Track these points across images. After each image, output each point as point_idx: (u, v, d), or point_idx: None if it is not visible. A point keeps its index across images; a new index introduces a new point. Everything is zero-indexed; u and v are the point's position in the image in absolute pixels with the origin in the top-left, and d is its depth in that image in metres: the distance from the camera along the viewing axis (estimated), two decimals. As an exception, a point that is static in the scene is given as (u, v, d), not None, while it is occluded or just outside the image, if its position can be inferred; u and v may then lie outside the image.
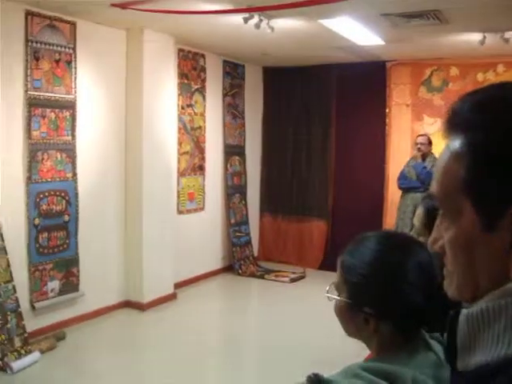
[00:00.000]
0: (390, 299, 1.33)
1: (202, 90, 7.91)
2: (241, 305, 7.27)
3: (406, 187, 7.15)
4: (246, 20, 5.51)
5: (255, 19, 5.53)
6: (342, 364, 1.35)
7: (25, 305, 5.41)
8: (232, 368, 5.28)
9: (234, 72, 8.67)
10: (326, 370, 1.30)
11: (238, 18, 5.59)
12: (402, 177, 7.25)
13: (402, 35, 6.42)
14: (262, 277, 8.38)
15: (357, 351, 1.57)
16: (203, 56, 7.89)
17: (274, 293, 7.66)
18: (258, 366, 5.35)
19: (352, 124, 8.67)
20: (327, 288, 1.46)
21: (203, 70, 7.92)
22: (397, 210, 7.31)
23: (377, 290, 1.35)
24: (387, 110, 8.37)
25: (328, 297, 1.47)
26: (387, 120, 8.39)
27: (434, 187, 0.91)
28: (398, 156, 8.18)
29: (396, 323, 1.34)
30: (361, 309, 1.36)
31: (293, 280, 8.20)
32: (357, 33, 6.32)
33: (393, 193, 8.06)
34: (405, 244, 1.43)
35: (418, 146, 7.17)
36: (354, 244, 1.46)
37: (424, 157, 7.11)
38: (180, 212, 7.65)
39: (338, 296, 1.44)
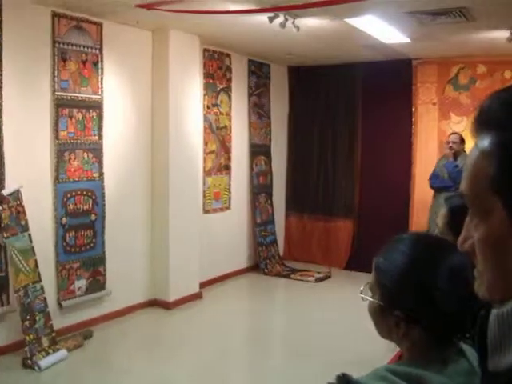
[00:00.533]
0: (421, 304, 1.31)
1: (227, 90, 7.89)
2: (266, 304, 7.22)
3: (437, 186, 6.99)
4: (271, 19, 5.46)
5: (280, 18, 5.48)
6: (367, 365, 1.31)
7: (52, 303, 5.44)
8: (257, 367, 5.24)
9: (259, 71, 8.63)
10: (350, 371, 1.28)
11: (263, 18, 5.55)
12: (434, 176, 7.09)
13: (427, 33, 6.30)
14: (287, 276, 8.33)
15: (383, 352, 1.52)
16: (228, 56, 7.86)
17: (300, 292, 7.60)
18: (284, 365, 5.29)
19: (378, 123, 8.56)
20: (361, 288, 1.45)
21: (228, 69, 7.89)
22: (429, 210, 7.17)
23: (407, 295, 1.32)
24: (413, 109, 8.24)
25: (362, 297, 1.45)
26: (413, 119, 8.25)
27: (463, 186, 0.89)
28: (425, 155, 8.06)
29: (427, 328, 1.31)
30: (392, 312, 1.34)
31: (318, 280, 8.13)
32: (382, 31, 6.22)
33: (419, 192, 7.95)
34: (438, 247, 1.40)
35: (450, 144, 7.01)
36: (388, 246, 1.44)
37: (456, 155, 6.95)
38: (206, 211, 7.63)
39: (372, 297, 1.42)
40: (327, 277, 8.29)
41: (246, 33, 6.63)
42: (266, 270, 8.42)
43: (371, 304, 1.42)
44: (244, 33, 6.64)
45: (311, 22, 5.89)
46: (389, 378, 1.21)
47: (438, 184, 6.97)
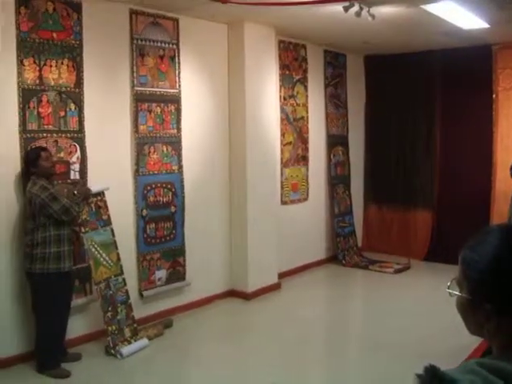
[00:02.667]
0: None
1: (303, 81, 7.73)
2: (344, 295, 7.04)
3: (518, 175, 6.58)
4: (346, 9, 5.30)
5: (355, 7, 5.32)
6: (447, 357, 1.19)
7: (133, 293, 5.49)
8: (334, 359, 5.09)
9: (335, 62, 8.41)
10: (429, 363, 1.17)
11: (338, 7, 5.40)
12: (515, 164, 6.68)
13: (507, 17, 5.92)
14: (365, 267, 8.11)
15: (463, 345, 1.39)
16: (304, 46, 7.69)
17: (378, 284, 7.37)
18: (361, 357, 5.11)
19: (457, 111, 8.16)
20: (448, 284, 1.37)
21: (304, 60, 7.72)
22: (510, 199, 6.76)
23: (497, 287, 1.24)
24: (494, 96, 7.80)
25: (449, 293, 1.37)
26: (494, 106, 7.81)
27: None
28: (507, 142, 7.64)
29: None
30: (481, 305, 1.26)
31: (397, 271, 7.87)
32: (460, 17, 5.95)
33: (500, 180, 7.53)
34: None
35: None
36: (475, 238, 1.34)
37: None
38: (284, 202, 7.52)
39: (459, 292, 1.34)
40: (406, 268, 8.02)
41: (321, 23, 6.47)
42: (344, 261, 8.24)
43: (459, 299, 1.34)
44: (319, 23, 6.49)
45: (387, 10, 5.71)
46: (478, 372, 1.13)
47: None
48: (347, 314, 6.38)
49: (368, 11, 5.46)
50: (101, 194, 5.09)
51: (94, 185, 5.03)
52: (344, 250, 8.42)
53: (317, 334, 5.78)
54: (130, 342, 5.05)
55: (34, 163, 4.53)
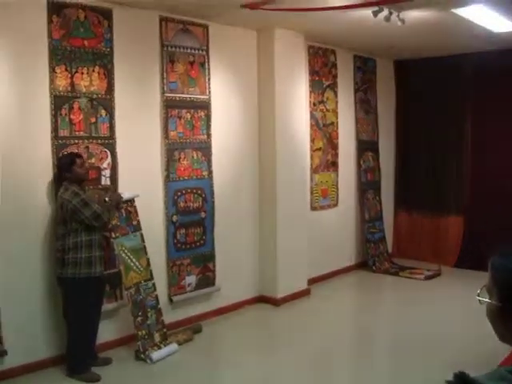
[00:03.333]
0: None
1: (333, 86, 7.63)
2: (374, 302, 6.90)
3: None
4: (375, 13, 5.22)
5: (385, 12, 5.24)
6: (477, 365, 1.15)
7: (163, 298, 5.45)
8: (364, 365, 4.97)
9: (364, 67, 8.30)
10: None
11: (367, 12, 5.32)
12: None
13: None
14: (396, 274, 7.95)
15: (493, 353, 1.32)
16: (333, 52, 7.60)
17: (409, 290, 7.21)
18: (391, 363, 4.99)
19: (489, 116, 7.97)
20: (478, 291, 1.34)
21: (334, 66, 7.63)
22: None
23: None
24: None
25: (479, 300, 1.35)
26: (528, 110, 7.61)
27: None
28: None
29: None
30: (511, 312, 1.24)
31: (428, 277, 7.69)
32: (492, 20, 5.81)
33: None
34: None
35: None
36: (504, 245, 1.32)
37: None
38: (313, 208, 7.42)
39: (489, 299, 1.32)
40: (437, 274, 7.84)
41: (351, 28, 6.39)
42: (374, 268, 8.10)
43: (489, 306, 1.32)
44: (349, 28, 6.41)
45: (416, 15, 5.61)
46: (508, 378, 1.12)
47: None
48: (377, 320, 6.24)
49: (397, 16, 5.37)
50: (131, 200, 5.07)
51: (124, 191, 5.01)
52: (374, 256, 8.28)
53: (346, 341, 5.67)
54: (159, 347, 5.00)
55: (67, 169, 4.53)
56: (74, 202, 4.37)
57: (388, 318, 6.45)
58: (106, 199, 4.70)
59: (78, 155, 4.68)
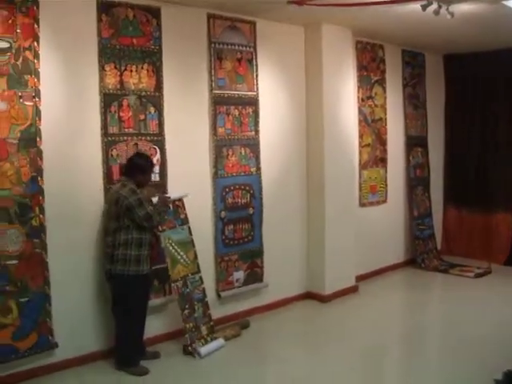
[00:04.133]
0: None
1: (381, 82, 7.41)
2: (423, 299, 6.64)
3: None
4: (424, 7, 4.99)
5: (434, 6, 4.99)
6: None
7: (211, 294, 5.39)
8: (411, 364, 4.78)
9: (413, 61, 8.02)
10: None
11: (415, 6, 5.12)
12: None
13: None
14: (445, 271, 7.68)
15: None
16: (381, 47, 7.37)
17: (458, 288, 6.94)
18: (440, 362, 4.77)
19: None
20: None
21: (382, 61, 7.40)
22: None
23: None
24: None
25: None
26: None
27: None
28: None
29: None
30: None
31: (478, 275, 7.40)
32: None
33: None
34: None
35: None
36: None
37: None
38: (362, 205, 7.24)
39: None
40: (487, 272, 7.54)
41: (399, 23, 6.19)
42: (422, 265, 7.85)
43: None
44: (397, 23, 6.21)
45: (466, 8, 5.38)
46: None
47: None
48: (426, 318, 6.01)
49: (447, 9, 5.12)
50: (180, 199, 5.02)
51: (173, 192, 4.97)
52: (423, 253, 8.03)
53: (394, 339, 5.46)
54: (206, 340, 4.95)
55: (142, 170, 4.55)
56: (130, 200, 4.34)
57: (437, 316, 6.21)
58: (155, 201, 4.64)
59: (154, 164, 4.76)
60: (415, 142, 8.13)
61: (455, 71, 8.54)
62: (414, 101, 8.07)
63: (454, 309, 6.22)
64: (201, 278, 5.13)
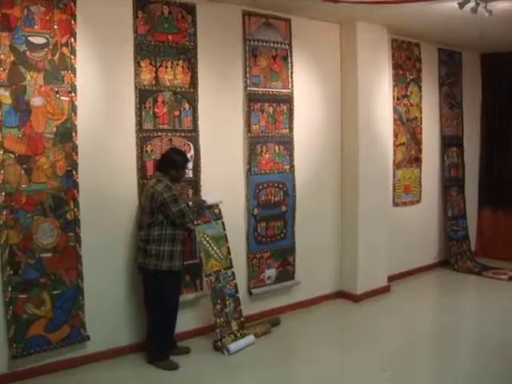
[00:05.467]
0: None
1: (417, 81, 7.17)
2: (455, 301, 6.38)
3: None
4: (461, 5, 4.81)
5: (471, 3, 4.80)
6: None
7: (242, 291, 5.27)
8: (441, 365, 4.56)
9: (450, 60, 7.75)
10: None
11: (452, 4, 4.92)
12: None
13: None
14: (478, 273, 7.40)
15: None
16: (417, 45, 7.12)
17: (491, 290, 6.67)
18: (471, 366, 4.57)
19: None
20: None
21: (418, 59, 7.15)
22: None
23: None
24: None
25: None
26: None
27: None
28: None
29: None
30: None
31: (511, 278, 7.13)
32: None
33: None
34: None
35: None
36: None
37: None
38: (396, 204, 7.02)
39: None
40: (522, 276, 7.24)
41: (436, 21, 5.99)
42: (456, 266, 7.59)
43: None
44: (433, 21, 6.00)
45: (505, 5, 5.14)
46: None
47: None
48: (457, 320, 5.76)
49: (485, 7, 4.90)
50: (215, 205, 4.92)
51: (207, 197, 4.85)
52: (456, 254, 7.76)
53: (425, 340, 5.25)
54: (236, 336, 4.85)
55: (177, 166, 4.47)
56: (165, 196, 4.26)
57: (469, 318, 5.96)
58: (190, 204, 4.55)
59: (188, 160, 4.69)
60: (450, 142, 7.86)
61: (492, 70, 8.23)
62: (451, 100, 7.80)
63: (485, 310, 5.97)
64: (233, 274, 5.03)
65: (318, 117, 6.05)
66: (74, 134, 4.24)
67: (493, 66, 8.23)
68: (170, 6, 4.76)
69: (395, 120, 6.88)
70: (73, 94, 4.23)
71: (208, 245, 4.85)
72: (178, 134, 4.86)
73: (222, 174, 5.18)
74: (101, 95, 4.43)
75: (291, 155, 5.76)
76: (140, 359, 4.52)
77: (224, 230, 5.01)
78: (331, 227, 6.27)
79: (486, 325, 5.48)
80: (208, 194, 4.90)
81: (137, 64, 4.59)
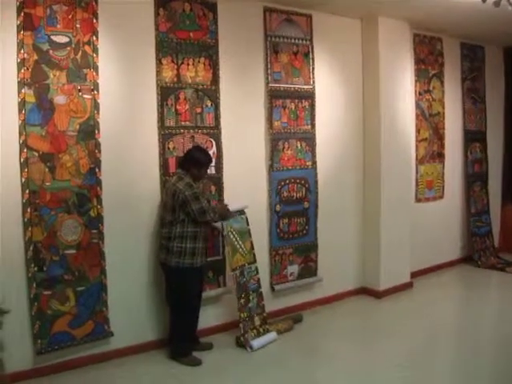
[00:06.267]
0: None
1: (439, 75, 7.01)
2: (479, 298, 6.22)
3: None
4: (484, -1, 4.63)
5: (494, -3, 4.63)
6: None
7: (265, 287, 5.20)
8: (464, 361, 4.45)
9: (472, 55, 7.57)
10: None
11: (475, -2, 4.78)
12: None
13: None
14: (502, 269, 7.22)
15: None
16: (440, 40, 6.96)
17: (515, 287, 6.51)
18: (492, 364, 4.45)
19: None
20: None
21: (440, 54, 6.99)
22: None
23: None
24: None
25: None
26: None
27: None
28: None
29: None
30: None
31: (536, 275, 6.94)
32: None
33: None
34: None
35: None
36: None
37: None
38: (418, 200, 6.88)
39: None
40: (546, 271, 7.05)
41: (458, 15, 5.85)
42: (479, 262, 7.42)
43: None
44: (455, 15, 5.87)
45: (529, -2, 4.93)
46: None
47: None
48: (480, 316, 5.61)
49: (508, 0, 4.73)
50: (241, 211, 4.88)
51: (233, 203, 4.79)
52: (480, 250, 7.59)
53: (448, 336, 5.12)
54: (259, 331, 4.78)
55: (199, 165, 4.40)
56: (186, 193, 4.20)
57: (493, 315, 5.80)
58: (215, 209, 4.49)
59: (211, 159, 4.62)
60: (474, 137, 7.69)
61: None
62: (473, 95, 7.62)
63: (508, 308, 5.80)
64: (256, 269, 4.96)
65: (340, 112, 5.94)
66: (96, 132, 4.21)
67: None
68: (191, 3, 4.70)
69: (417, 115, 6.74)
70: (95, 92, 4.20)
71: (234, 239, 4.80)
72: (200, 130, 4.81)
73: (244, 171, 5.12)
74: (123, 93, 4.39)
75: (313, 151, 5.66)
76: (163, 355, 4.48)
77: (248, 224, 4.95)
78: (353, 223, 6.16)
79: (509, 322, 5.33)
80: (233, 203, 4.82)
81: (158, 61, 4.54)
